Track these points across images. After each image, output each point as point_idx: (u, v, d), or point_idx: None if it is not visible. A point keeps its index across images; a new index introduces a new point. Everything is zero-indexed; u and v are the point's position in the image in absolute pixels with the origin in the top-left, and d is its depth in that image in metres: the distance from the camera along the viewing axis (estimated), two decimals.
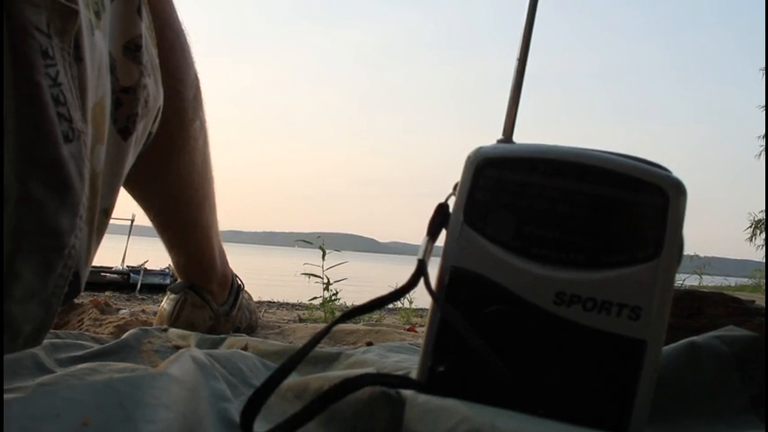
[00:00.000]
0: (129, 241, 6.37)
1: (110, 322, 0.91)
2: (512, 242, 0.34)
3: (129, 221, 6.31)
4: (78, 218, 0.46)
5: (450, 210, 0.36)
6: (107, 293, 3.00)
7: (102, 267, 5.18)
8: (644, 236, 0.32)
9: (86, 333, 0.76)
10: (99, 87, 0.50)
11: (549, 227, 0.33)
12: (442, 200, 0.37)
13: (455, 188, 0.36)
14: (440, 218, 0.36)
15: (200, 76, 0.79)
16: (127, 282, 5.13)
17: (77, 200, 0.45)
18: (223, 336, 0.73)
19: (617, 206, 0.33)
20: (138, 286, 4.84)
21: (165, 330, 0.73)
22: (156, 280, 5.17)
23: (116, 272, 5.43)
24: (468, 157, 0.35)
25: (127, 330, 0.69)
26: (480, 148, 0.36)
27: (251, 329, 1.03)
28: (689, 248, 0.36)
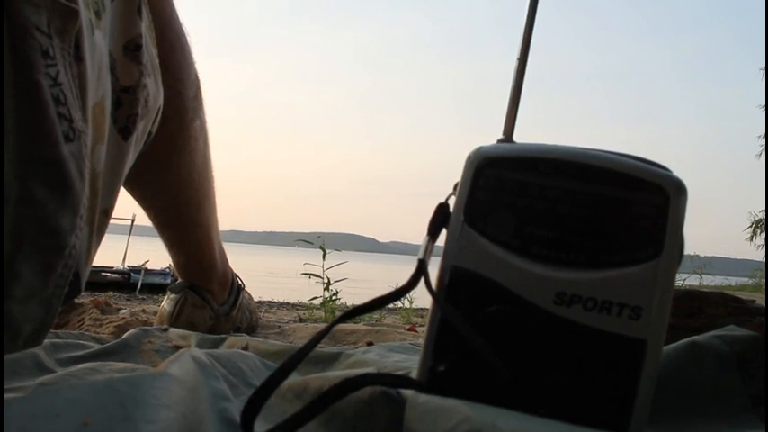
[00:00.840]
0: (130, 241, 6.38)
1: (110, 322, 0.91)
2: (512, 242, 0.34)
3: (130, 221, 6.33)
4: (78, 218, 0.46)
5: (451, 209, 0.36)
6: (108, 293, 3.00)
7: (102, 267, 5.19)
8: (644, 235, 0.32)
9: (87, 333, 0.76)
10: (99, 87, 0.50)
11: (550, 227, 0.33)
12: (443, 200, 0.37)
13: (455, 188, 0.36)
14: (440, 218, 0.36)
15: (200, 75, 0.80)
16: (127, 281, 5.14)
17: (78, 200, 0.45)
18: (223, 336, 0.73)
19: (617, 206, 0.33)
20: (139, 286, 4.85)
21: (166, 330, 0.73)
22: (157, 280, 5.18)
23: (117, 271, 5.44)
24: (469, 157, 0.35)
25: (127, 330, 0.69)
26: (480, 147, 0.36)
27: (251, 329, 1.03)
28: (689, 248, 0.36)
